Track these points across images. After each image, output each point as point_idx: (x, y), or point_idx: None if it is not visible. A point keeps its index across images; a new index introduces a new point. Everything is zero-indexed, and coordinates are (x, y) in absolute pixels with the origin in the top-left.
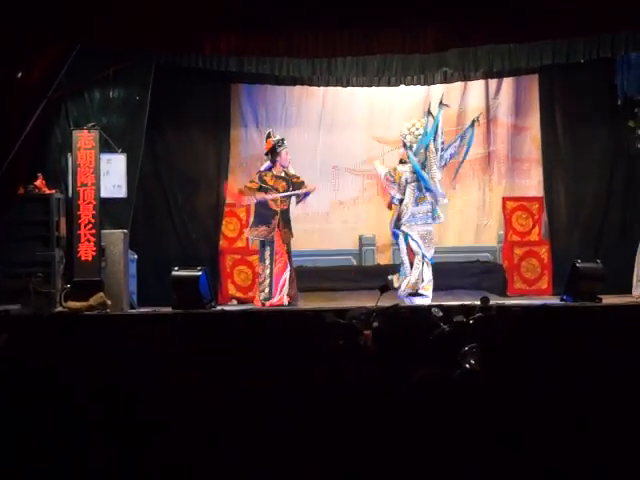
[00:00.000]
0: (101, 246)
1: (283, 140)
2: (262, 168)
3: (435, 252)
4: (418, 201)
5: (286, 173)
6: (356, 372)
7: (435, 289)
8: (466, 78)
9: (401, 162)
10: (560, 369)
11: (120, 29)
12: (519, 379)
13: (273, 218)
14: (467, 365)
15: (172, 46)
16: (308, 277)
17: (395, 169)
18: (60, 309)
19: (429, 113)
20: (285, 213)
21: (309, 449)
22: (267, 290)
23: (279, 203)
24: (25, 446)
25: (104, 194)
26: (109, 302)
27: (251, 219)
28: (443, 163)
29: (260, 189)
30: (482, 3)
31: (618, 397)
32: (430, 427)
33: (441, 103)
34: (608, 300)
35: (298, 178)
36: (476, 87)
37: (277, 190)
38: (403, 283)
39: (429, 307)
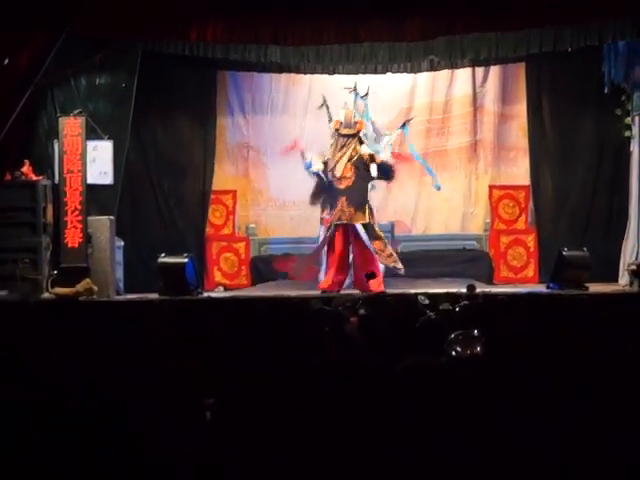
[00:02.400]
0: (87, 233)
1: None
2: None
3: (422, 240)
4: None
5: None
6: (342, 359)
7: (422, 277)
8: (453, 66)
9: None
10: (547, 356)
11: (107, 16)
12: (508, 366)
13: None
14: (453, 352)
15: (158, 33)
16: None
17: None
18: (47, 295)
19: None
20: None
21: (297, 435)
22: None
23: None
24: (15, 431)
25: (90, 181)
26: (96, 288)
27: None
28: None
29: None
30: None
31: (605, 384)
32: (417, 413)
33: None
34: (595, 288)
35: None
36: (463, 75)
37: None
38: None
39: (415, 295)
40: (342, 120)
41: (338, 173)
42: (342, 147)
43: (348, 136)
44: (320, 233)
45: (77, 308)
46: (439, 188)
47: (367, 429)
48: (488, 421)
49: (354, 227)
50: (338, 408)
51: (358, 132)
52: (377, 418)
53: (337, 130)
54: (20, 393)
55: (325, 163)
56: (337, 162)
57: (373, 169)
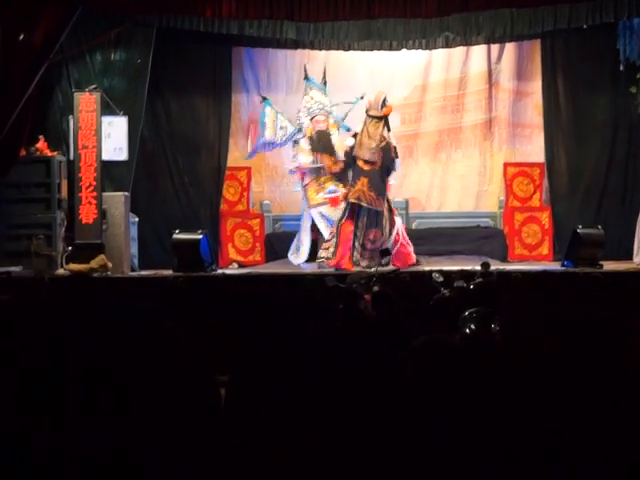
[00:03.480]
0: (102, 209)
1: None
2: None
3: (436, 217)
4: None
5: None
6: (356, 336)
7: (435, 254)
8: (468, 43)
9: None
10: (561, 335)
11: None
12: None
13: None
14: (467, 330)
15: (173, 9)
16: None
17: None
18: (61, 271)
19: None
20: None
21: (308, 413)
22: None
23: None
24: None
25: (105, 157)
26: (110, 265)
27: None
28: None
29: None
30: None
31: (619, 363)
32: (430, 392)
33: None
34: (609, 266)
35: None
36: (478, 52)
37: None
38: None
39: (430, 272)
40: (372, 100)
41: (366, 155)
42: (370, 128)
43: (375, 118)
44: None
45: (92, 284)
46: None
47: (380, 408)
48: (500, 399)
49: (370, 211)
50: (352, 384)
51: (385, 116)
52: (390, 396)
53: (367, 111)
54: (35, 369)
55: (354, 136)
56: (365, 143)
57: (397, 164)
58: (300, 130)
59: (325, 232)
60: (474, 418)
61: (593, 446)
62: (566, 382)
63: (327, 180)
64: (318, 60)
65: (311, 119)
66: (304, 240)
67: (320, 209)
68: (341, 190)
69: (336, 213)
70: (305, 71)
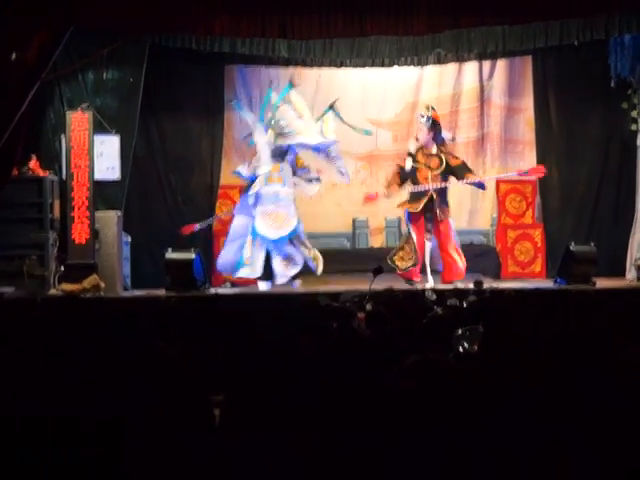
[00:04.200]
0: (95, 228)
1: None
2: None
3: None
4: None
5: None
6: (349, 355)
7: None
8: (460, 60)
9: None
10: (554, 352)
11: (113, 10)
12: (513, 362)
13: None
14: (460, 348)
15: (165, 27)
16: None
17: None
18: (54, 292)
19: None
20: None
21: (303, 432)
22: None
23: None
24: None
25: (98, 176)
26: (103, 284)
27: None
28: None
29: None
30: None
31: (612, 381)
32: (422, 410)
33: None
34: (602, 283)
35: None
36: (470, 69)
37: (430, 168)
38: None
39: (423, 290)
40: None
41: (434, 166)
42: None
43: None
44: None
45: (84, 305)
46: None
47: (372, 425)
48: (493, 416)
49: (443, 223)
50: (343, 403)
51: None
52: (381, 414)
53: (434, 121)
54: (26, 390)
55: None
56: (428, 156)
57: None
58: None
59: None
60: (467, 435)
61: (588, 459)
62: (559, 397)
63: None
64: (310, 77)
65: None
66: (257, 254)
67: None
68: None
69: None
70: (271, 83)
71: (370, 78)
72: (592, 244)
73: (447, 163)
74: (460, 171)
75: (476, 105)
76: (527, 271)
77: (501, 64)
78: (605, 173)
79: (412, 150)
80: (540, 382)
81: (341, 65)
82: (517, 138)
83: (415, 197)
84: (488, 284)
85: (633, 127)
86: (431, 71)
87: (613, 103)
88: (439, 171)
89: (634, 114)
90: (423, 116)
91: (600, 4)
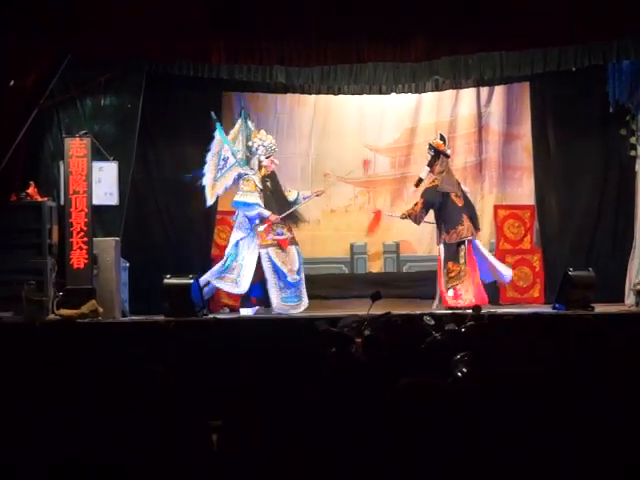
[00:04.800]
0: (93, 254)
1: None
2: None
3: (427, 260)
4: None
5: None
6: (347, 380)
7: (427, 297)
8: (457, 86)
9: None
10: (553, 377)
11: (111, 38)
12: (511, 387)
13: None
14: (459, 373)
15: (163, 55)
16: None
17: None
18: (52, 317)
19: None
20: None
21: (301, 456)
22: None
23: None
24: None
25: (96, 202)
26: (101, 310)
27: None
28: None
29: None
30: (472, 12)
31: (611, 404)
32: (421, 434)
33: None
34: (600, 308)
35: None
36: (467, 95)
37: None
38: None
39: (421, 315)
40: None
41: (457, 189)
42: (448, 166)
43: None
44: None
45: (82, 330)
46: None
47: (370, 450)
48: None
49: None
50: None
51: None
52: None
53: (443, 151)
54: (27, 414)
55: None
56: (451, 179)
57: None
58: (241, 164)
59: (270, 276)
60: (462, 457)
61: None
62: (557, 421)
63: (278, 222)
64: (308, 104)
65: (267, 157)
66: (245, 273)
67: (269, 250)
68: (287, 234)
69: (283, 256)
70: (242, 109)
71: (368, 104)
72: (590, 269)
73: None
74: None
75: (474, 131)
76: (526, 296)
77: (499, 90)
78: (604, 199)
79: (423, 176)
80: (538, 407)
81: (339, 92)
82: (515, 164)
83: None
84: (486, 309)
85: (632, 153)
86: (429, 97)
87: (611, 129)
88: None
89: (633, 140)
90: (430, 146)
91: (598, 30)
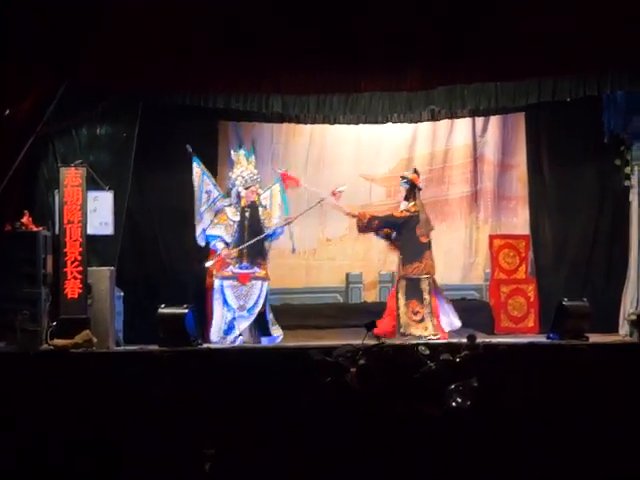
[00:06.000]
0: (87, 283)
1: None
2: None
3: None
4: None
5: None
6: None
7: None
8: (453, 116)
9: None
10: (547, 407)
11: (107, 67)
12: (507, 416)
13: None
14: (453, 403)
15: (159, 85)
16: (295, 314)
17: None
18: (46, 347)
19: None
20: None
21: None
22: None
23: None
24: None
25: (91, 231)
26: (95, 339)
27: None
28: None
29: None
30: (468, 42)
31: (607, 433)
32: (417, 463)
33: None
34: (595, 338)
35: None
36: (463, 125)
37: None
38: None
39: (416, 345)
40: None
41: (428, 229)
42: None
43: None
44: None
45: (76, 360)
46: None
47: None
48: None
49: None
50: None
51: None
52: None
53: (417, 185)
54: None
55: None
56: (425, 219)
57: None
58: (224, 196)
59: (216, 306)
60: None
61: None
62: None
63: (242, 255)
64: (304, 133)
65: (246, 189)
66: (228, 314)
67: (223, 282)
68: (255, 269)
69: (239, 290)
70: (240, 141)
71: (364, 134)
72: (585, 300)
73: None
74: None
75: (469, 161)
76: (520, 326)
77: (494, 120)
78: (598, 229)
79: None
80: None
81: (335, 122)
82: (510, 194)
83: None
84: (481, 339)
85: (626, 183)
86: (425, 127)
87: (606, 159)
88: None
89: (627, 170)
90: (403, 178)
91: (592, 61)
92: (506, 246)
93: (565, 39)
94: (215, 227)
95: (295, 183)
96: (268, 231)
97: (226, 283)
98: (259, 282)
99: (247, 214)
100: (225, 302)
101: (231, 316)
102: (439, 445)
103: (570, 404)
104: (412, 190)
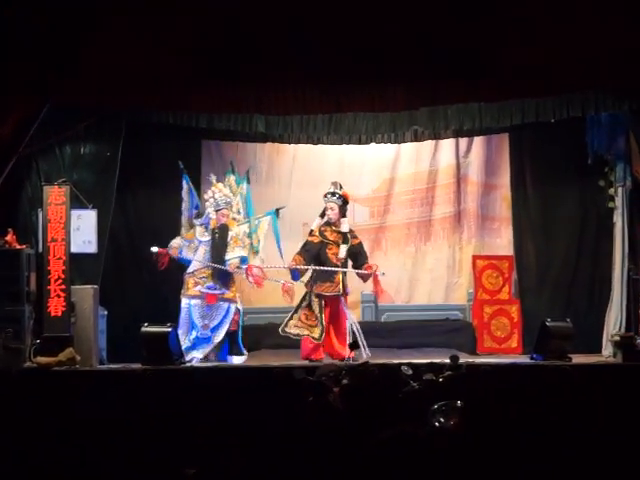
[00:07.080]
0: (71, 302)
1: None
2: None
3: (405, 310)
4: None
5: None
6: (325, 429)
7: (405, 347)
8: (436, 137)
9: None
10: (530, 428)
11: (91, 86)
12: (490, 437)
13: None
14: (436, 423)
15: (142, 104)
16: (277, 334)
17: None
18: (29, 364)
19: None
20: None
21: None
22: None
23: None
24: None
25: (74, 249)
26: (78, 358)
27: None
28: None
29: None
30: (451, 63)
31: (590, 455)
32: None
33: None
34: (578, 359)
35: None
36: (447, 146)
37: (337, 244)
38: None
39: (399, 365)
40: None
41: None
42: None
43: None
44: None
45: (59, 378)
46: None
47: None
48: None
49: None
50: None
51: (348, 201)
52: None
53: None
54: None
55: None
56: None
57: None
58: (199, 215)
59: (182, 324)
60: None
61: None
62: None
63: (209, 276)
64: (287, 153)
65: (217, 211)
66: (193, 332)
67: (190, 301)
68: (223, 289)
69: (204, 310)
70: (231, 164)
71: (347, 154)
72: (568, 320)
73: (351, 243)
74: (360, 256)
75: (453, 181)
76: (503, 347)
77: (478, 141)
78: (582, 250)
79: (314, 227)
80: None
81: (318, 142)
82: (494, 215)
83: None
84: (464, 359)
85: (610, 204)
86: (408, 147)
87: (590, 180)
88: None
89: (611, 192)
90: (334, 194)
91: (575, 83)
92: (489, 267)
93: (549, 60)
94: (185, 248)
95: (257, 283)
96: (233, 254)
97: (193, 302)
98: (226, 303)
99: (217, 236)
100: (191, 320)
101: (195, 334)
102: (421, 465)
103: (553, 425)
104: (344, 206)
